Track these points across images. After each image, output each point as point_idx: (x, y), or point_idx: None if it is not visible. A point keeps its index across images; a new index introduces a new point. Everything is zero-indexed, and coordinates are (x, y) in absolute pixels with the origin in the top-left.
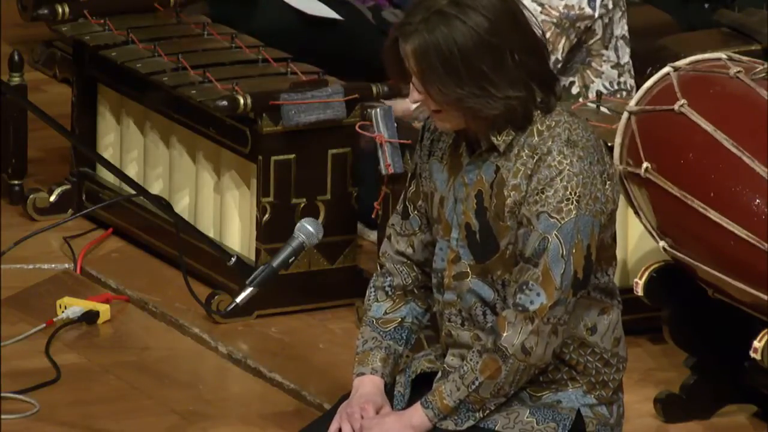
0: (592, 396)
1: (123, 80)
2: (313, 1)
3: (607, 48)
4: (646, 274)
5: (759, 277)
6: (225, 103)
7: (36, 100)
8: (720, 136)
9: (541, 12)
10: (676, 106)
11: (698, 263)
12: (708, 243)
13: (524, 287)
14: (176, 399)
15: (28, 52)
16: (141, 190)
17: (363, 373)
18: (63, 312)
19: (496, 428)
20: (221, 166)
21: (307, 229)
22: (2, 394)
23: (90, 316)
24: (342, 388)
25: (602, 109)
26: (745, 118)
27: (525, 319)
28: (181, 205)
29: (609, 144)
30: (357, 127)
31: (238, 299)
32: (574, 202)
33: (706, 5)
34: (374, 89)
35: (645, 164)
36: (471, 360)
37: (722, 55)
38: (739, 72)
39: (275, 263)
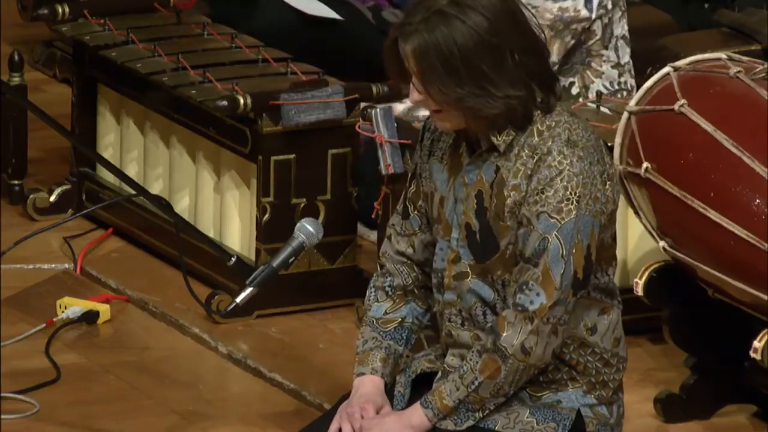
0: (592, 396)
1: (123, 80)
2: (313, 1)
3: (606, 48)
4: (646, 274)
5: (759, 277)
6: (225, 103)
7: (36, 100)
8: (720, 136)
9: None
10: (676, 106)
11: (698, 263)
12: (708, 243)
13: (524, 287)
14: (176, 399)
15: (28, 52)
16: (141, 190)
17: (363, 373)
18: (63, 312)
19: (496, 428)
20: (221, 166)
21: (307, 229)
22: (2, 394)
23: (90, 316)
24: (342, 388)
25: (602, 109)
26: (745, 118)
27: (525, 319)
28: (181, 205)
29: (609, 144)
30: (357, 127)
31: (238, 299)
32: (574, 202)
33: (706, 5)
34: (374, 89)
35: (645, 164)
36: (470, 360)
37: (722, 55)
38: (739, 72)
39: (275, 263)
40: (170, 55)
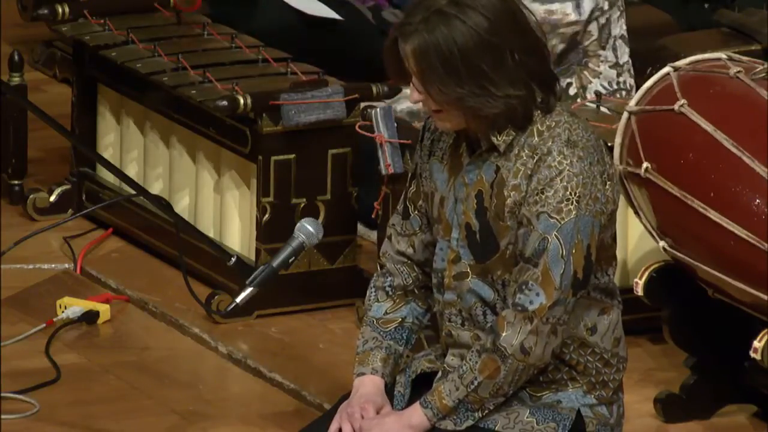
0: (592, 396)
1: (123, 80)
2: (313, 1)
3: (604, 48)
4: (646, 274)
5: (759, 277)
6: (225, 103)
7: (36, 100)
8: (720, 136)
9: None
10: (676, 106)
11: (698, 263)
12: (708, 243)
13: (524, 287)
14: (176, 399)
15: (28, 52)
16: (141, 190)
17: (363, 373)
18: (63, 312)
19: (496, 428)
20: (221, 166)
21: (307, 229)
22: (2, 394)
23: (90, 316)
24: (342, 388)
25: (602, 109)
26: (745, 118)
27: (524, 319)
28: (181, 205)
29: (609, 144)
30: (357, 127)
31: (238, 299)
32: (574, 202)
33: (706, 5)
34: (374, 89)
35: (645, 164)
36: (470, 360)
37: (722, 55)
38: (739, 72)
39: (275, 263)
40: (170, 55)
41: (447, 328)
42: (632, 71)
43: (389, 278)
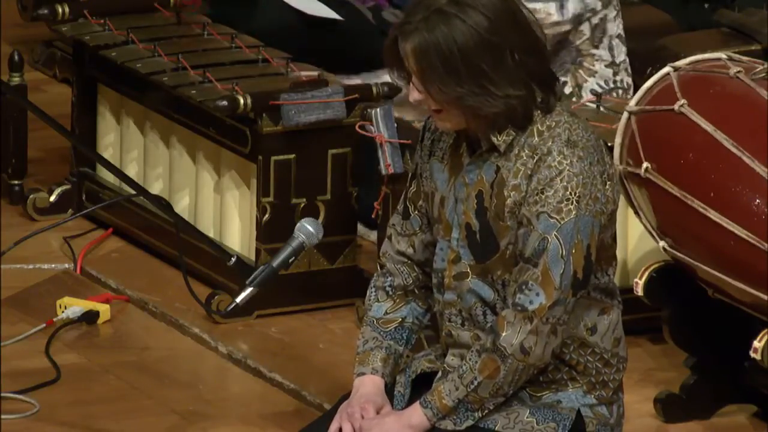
0: (592, 396)
1: (123, 80)
2: (313, 1)
3: (597, 47)
4: (646, 274)
5: (759, 277)
6: (225, 103)
7: (36, 100)
8: (720, 136)
9: None
10: (676, 106)
11: (698, 263)
12: (708, 243)
13: (524, 287)
14: (176, 399)
15: (28, 52)
16: (141, 190)
17: (363, 373)
18: (63, 312)
19: (496, 428)
20: (221, 166)
21: (307, 229)
22: (2, 394)
23: (90, 316)
24: (342, 388)
25: (602, 109)
26: (745, 118)
27: (524, 318)
28: (181, 205)
29: (609, 144)
30: (357, 127)
31: (238, 299)
32: (574, 202)
33: (706, 5)
34: (374, 89)
35: (645, 164)
36: (470, 360)
37: (722, 55)
38: (739, 72)
39: (275, 263)
40: (170, 55)
41: (447, 328)
42: (629, 70)
43: (389, 278)
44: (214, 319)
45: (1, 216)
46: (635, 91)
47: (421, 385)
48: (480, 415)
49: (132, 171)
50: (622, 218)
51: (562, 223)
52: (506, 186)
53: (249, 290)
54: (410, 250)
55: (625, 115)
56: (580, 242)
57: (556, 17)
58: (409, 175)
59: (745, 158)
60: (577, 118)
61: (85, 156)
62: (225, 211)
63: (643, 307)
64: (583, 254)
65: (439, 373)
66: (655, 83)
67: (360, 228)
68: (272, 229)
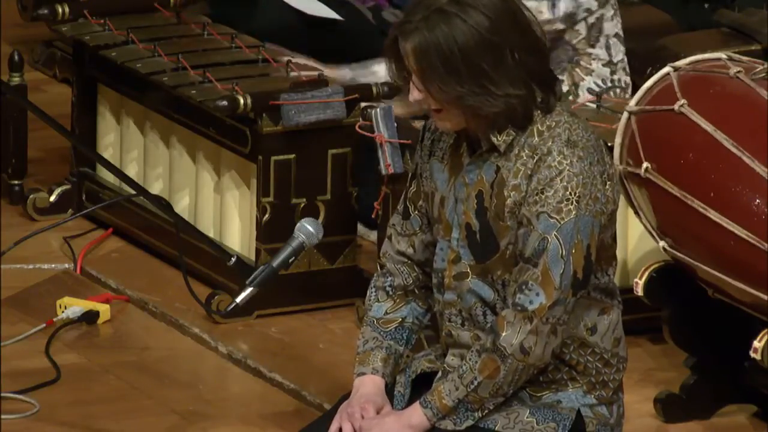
0: (592, 396)
1: (123, 80)
2: (313, 1)
3: (593, 47)
4: (646, 274)
5: (759, 277)
6: (225, 103)
7: (36, 100)
8: (720, 136)
9: None
10: (676, 106)
11: (698, 263)
12: (708, 243)
13: (524, 287)
14: (176, 399)
15: (28, 52)
16: (141, 190)
17: (364, 373)
18: (63, 312)
19: (496, 428)
20: (221, 166)
21: (307, 229)
22: (2, 394)
23: (90, 316)
24: (342, 388)
25: (602, 109)
26: (745, 118)
27: (524, 318)
28: (181, 205)
29: (609, 144)
30: (357, 127)
31: (238, 299)
32: (574, 202)
33: (706, 5)
34: (374, 89)
35: (645, 164)
36: (470, 360)
37: (722, 55)
38: (739, 72)
39: (275, 263)
40: (170, 55)
41: (447, 328)
42: (627, 69)
43: (389, 278)
44: (214, 319)
45: (1, 216)
46: (634, 90)
47: (421, 385)
48: (480, 415)
49: (132, 171)
50: (622, 218)
51: (562, 223)
52: (506, 186)
53: (249, 290)
54: (410, 250)
55: (625, 115)
56: (580, 242)
57: (547, 15)
58: (409, 175)
59: (745, 158)
60: (577, 118)
61: (85, 156)
62: (225, 211)
63: (643, 307)
64: (583, 254)
65: (439, 373)
66: (655, 83)
67: (360, 228)
68: (272, 229)
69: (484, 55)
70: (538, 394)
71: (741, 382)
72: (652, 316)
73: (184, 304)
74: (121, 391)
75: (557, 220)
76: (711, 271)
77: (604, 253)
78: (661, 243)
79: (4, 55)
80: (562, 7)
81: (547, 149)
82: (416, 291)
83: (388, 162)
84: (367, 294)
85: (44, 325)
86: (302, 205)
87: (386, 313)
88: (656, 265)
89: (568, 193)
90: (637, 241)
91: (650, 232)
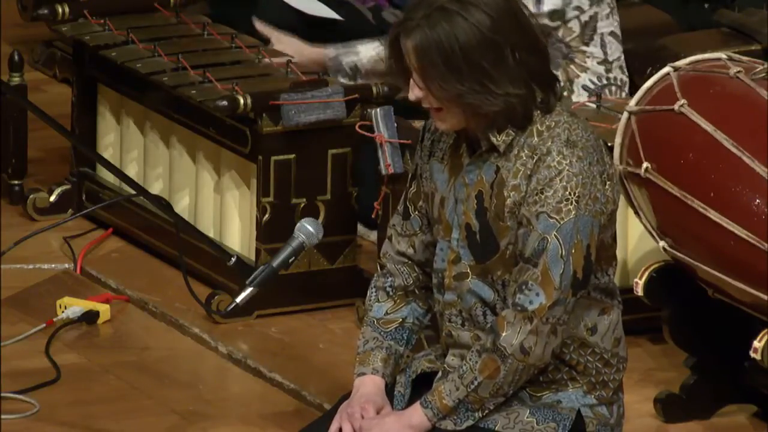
0: (593, 396)
1: (123, 80)
2: (313, 1)
3: (588, 45)
4: (646, 274)
5: (759, 277)
6: (225, 103)
7: (36, 100)
8: (720, 136)
9: None
10: (676, 106)
11: (698, 263)
12: (708, 243)
13: (523, 287)
14: (176, 399)
15: (28, 52)
16: (141, 190)
17: (364, 373)
18: (63, 312)
19: (496, 428)
20: (221, 166)
21: (307, 229)
22: (2, 394)
23: (90, 316)
24: (342, 388)
25: (602, 109)
26: (745, 118)
27: (524, 318)
28: (181, 205)
29: (609, 144)
30: (357, 127)
31: (238, 299)
32: (574, 202)
33: (706, 5)
34: (374, 89)
35: (645, 164)
36: (470, 360)
37: (722, 55)
38: (739, 72)
39: (275, 263)
40: (170, 55)
41: (447, 328)
42: (625, 68)
43: (390, 278)
44: (214, 319)
45: (1, 216)
46: (631, 88)
47: (421, 385)
48: (480, 415)
49: (132, 171)
50: (622, 218)
51: (561, 223)
52: (506, 186)
53: (249, 290)
54: (410, 251)
55: (625, 115)
56: (579, 242)
57: (532, 10)
58: (409, 175)
59: (745, 158)
60: (577, 118)
61: (85, 156)
62: (225, 211)
63: (643, 307)
64: (582, 254)
65: (439, 373)
66: (655, 83)
67: (360, 228)
68: (272, 229)
69: (485, 54)
70: (538, 394)
71: (741, 382)
72: (652, 316)
73: (184, 304)
74: (121, 391)
75: (557, 220)
76: (711, 271)
77: (604, 253)
78: (661, 243)
79: (4, 55)
80: (548, 3)
81: (546, 149)
82: (416, 291)
83: (388, 162)
84: (368, 294)
85: (44, 325)
86: (302, 205)
87: (386, 313)
88: (656, 265)
89: (567, 193)
90: (637, 241)
91: (650, 232)
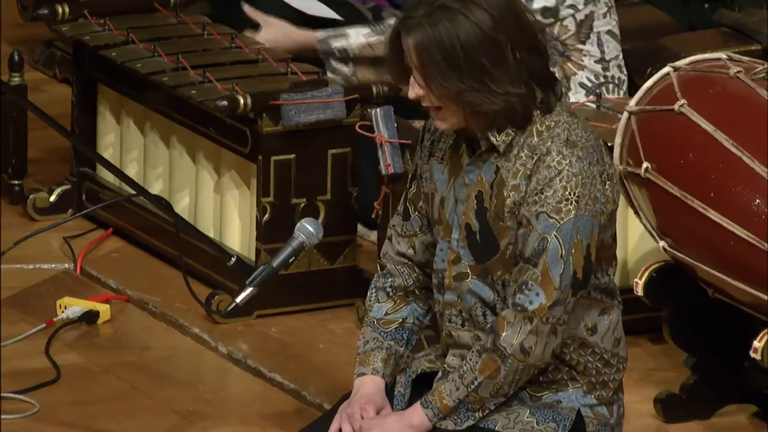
0: (593, 396)
1: (123, 80)
2: (313, 1)
3: (584, 43)
4: (646, 274)
5: (759, 277)
6: (225, 103)
7: (36, 100)
8: (720, 136)
9: None
10: (676, 106)
11: (698, 263)
12: (708, 243)
13: (523, 287)
14: (176, 399)
15: (28, 52)
16: (141, 190)
17: (364, 374)
18: (63, 312)
19: (496, 428)
20: (221, 166)
21: (307, 229)
22: (2, 394)
23: (90, 316)
24: (342, 388)
25: (602, 109)
26: (745, 118)
27: (524, 319)
28: (181, 205)
29: (609, 144)
30: (357, 127)
31: (238, 299)
32: (573, 202)
33: (706, 5)
34: (374, 89)
35: (645, 164)
36: (470, 360)
37: (722, 55)
38: (739, 72)
39: (275, 263)
40: (170, 55)
41: (447, 328)
42: (623, 67)
43: (390, 279)
44: (214, 319)
45: (1, 216)
46: (631, 88)
47: (421, 385)
48: (480, 415)
49: (132, 171)
50: (622, 218)
51: (561, 223)
52: (506, 186)
53: (249, 290)
54: (411, 251)
55: (625, 115)
56: (579, 242)
57: None
58: (409, 176)
59: (745, 158)
60: (577, 118)
61: (85, 156)
62: (225, 211)
63: (643, 307)
64: (582, 254)
65: (440, 373)
66: (655, 83)
67: (360, 228)
68: (272, 229)
69: (486, 52)
70: (539, 394)
71: (741, 382)
72: (652, 316)
73: (184, 304)
74: (121, 391)
75: (557, 220)
76: (711, 271)
77: (604, 253)
78: (661, 243)
79: (4, 55)
80: (539, 0)
81: (546, 149)
82: (417, 292)
83: (388, 162)
84: (368, 295)
85: (44, 325)
86: (302, 205)
87: (387, 313)
88: (656, 265)
89: (567, 193)
90: (637, 241)
91: (650, 232)
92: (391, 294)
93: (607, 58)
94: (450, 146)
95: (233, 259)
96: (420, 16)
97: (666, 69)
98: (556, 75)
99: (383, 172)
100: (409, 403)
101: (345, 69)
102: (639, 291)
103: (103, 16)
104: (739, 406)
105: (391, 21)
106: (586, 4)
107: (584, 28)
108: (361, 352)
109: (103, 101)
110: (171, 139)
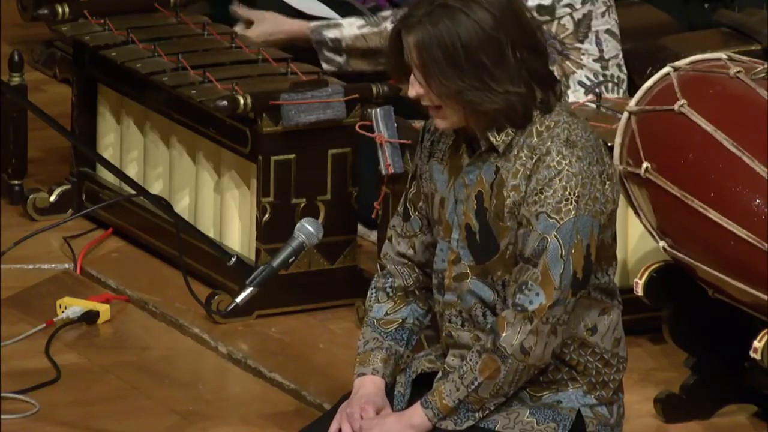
0: (593, 396)
1: (123, 80)
2: (313, 1)
3: (582, 42)
4: (646, 274)
5: (759, 277)
6: (225, 103)
7: (36, 100)
8: (720, 136)
9: None
10: (676, 106)
11: (698, 263)
12: (708, 243)
13: (523, 287)
14: (176, 399)
15: (28, 52)
16: (141, 190)
17: (364, 374)
18: (63, 312)
19: (496, 428)
20: (221, 166)
21: (307, 229)
22: (2, 394)
23: (90, 316)
24: (342, 388)
25: (602, 109)
26: (745, 118)
27: (524, 319)
28: (181, 205)
29: (609, 144)
30: (357, 127)
31: (238, 299)
32: (573, 202)
33: (706, 5)
34: (374, 89)
35: (645, 164)
36: (470, 360)
37: (722, 55)
38: (739, 72)
39: (275, 263)
40: (170, 55)
41: (447, 328)
42: (623, 66)
43: (390, 279)
44: (214, 319)
45: (1, 216)
46: (631, 87)
47: (421, 385)
48: (480, 415)
49: (132, 171)
50: (622, 218)
51: (561, 223)
52: (506, 186)
53: (249, 290)
54: (411, 252)
55: (625, 115)
56: (579, 242)
57: None
58: (409, 176)
59: (745, 158)
60: (577, 118)
61: (85, 156)
62: (225, 211)
63: (643, 307)
64: (582, 254)
65: (440, 374)
66: (655, 83)
67: (360, 228)
68: (272, 229)
69: (487, 51)
70: (539, 395)
71: (741, 382)
72: (652, 316)
73: (184, 304)
74: (121, 391)
75: (556, 220)
76: (711, 271)
77: (604, 253)
78: (661, 243)
79: (4, 55)
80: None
81: (546, 149)
82: (417, 292)
83: (388, 162)
84: (368, 295)
85: (44, 325)
86: (302, 205)
87: (387, 314)
88: (656, 265)
89: (567, 193)
90: (637, 241)
91: (650, 232)
92: (391, 294)
93: (606, 57)
94: (450, 146)
95: (233, 259)
96: (421, 14)
97: (666, 69)
98: (555, 73)
99: (383, 172)
100: (409, 403)
101: (338, 59)
102: (639, 291)
103: (103, 16)
104: (739, 406)
105: (386, 13)
106: (583, 3)
107: (582, 27)
108: (361, 352)
109: (103, 101)
110: (171, 139)
